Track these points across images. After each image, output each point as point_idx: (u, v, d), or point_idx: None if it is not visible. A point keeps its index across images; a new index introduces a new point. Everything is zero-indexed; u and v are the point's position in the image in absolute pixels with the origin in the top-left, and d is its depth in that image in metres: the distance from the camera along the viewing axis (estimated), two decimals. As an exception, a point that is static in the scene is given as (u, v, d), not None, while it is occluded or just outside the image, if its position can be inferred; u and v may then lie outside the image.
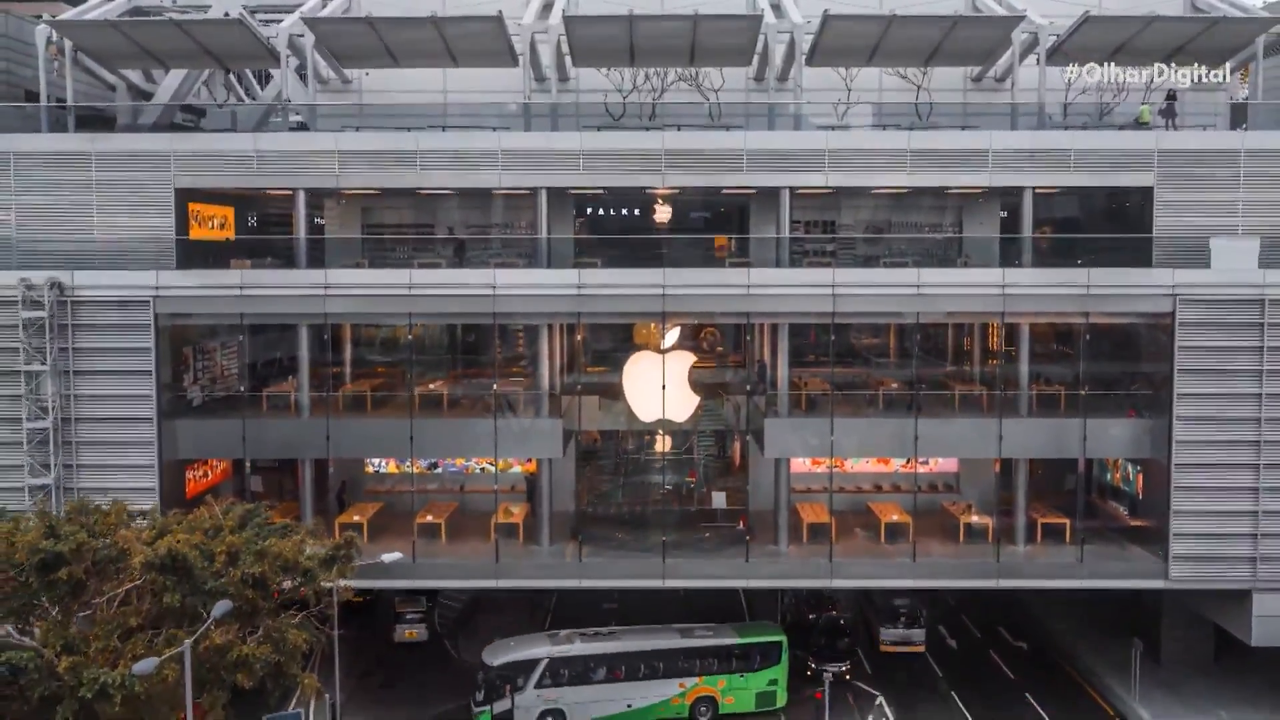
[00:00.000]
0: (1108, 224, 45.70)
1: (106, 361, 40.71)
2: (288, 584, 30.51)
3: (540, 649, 42.67)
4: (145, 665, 25.26)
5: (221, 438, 42.74)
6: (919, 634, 48.43)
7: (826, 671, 43.30)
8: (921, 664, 49.51)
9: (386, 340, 50.61)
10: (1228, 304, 40.47)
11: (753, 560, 42.76)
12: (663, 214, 47.98)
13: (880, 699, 45.21)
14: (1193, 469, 40.85)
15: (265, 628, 29.23)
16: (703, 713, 42.90)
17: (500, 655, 42.24)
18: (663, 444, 48.47)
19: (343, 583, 34.99)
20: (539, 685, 41.61)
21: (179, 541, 28.13)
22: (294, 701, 36.61)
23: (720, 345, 50.67)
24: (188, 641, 25.91)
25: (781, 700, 43.43)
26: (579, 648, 42.85)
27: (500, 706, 40.99)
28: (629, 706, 42.44)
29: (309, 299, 41.09)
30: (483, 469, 48.75)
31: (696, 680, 42.84)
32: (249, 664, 28.27)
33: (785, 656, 43.52)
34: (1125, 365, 44.42)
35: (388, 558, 38.22)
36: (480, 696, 41.55)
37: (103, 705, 25.76)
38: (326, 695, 36.27)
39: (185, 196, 42.22)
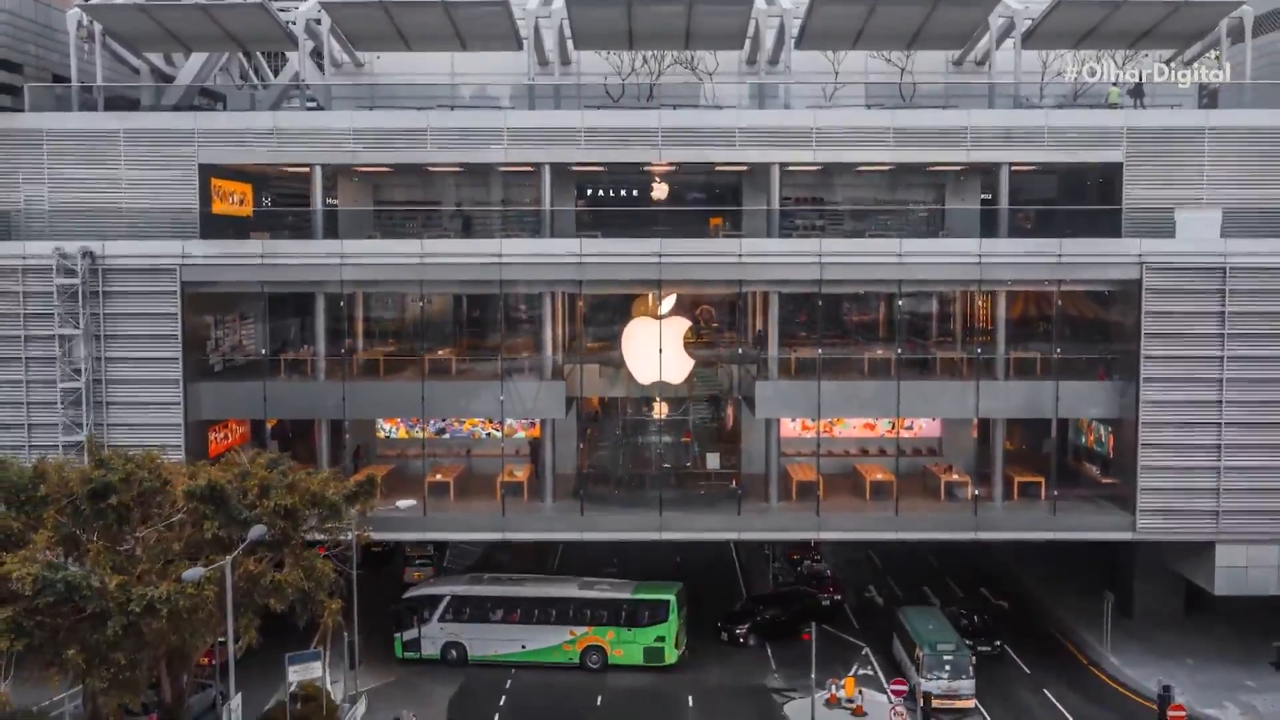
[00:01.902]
0: (1082, 202, 48.10)
1: (135, 326, 43.17)
2: (314, 520, 32.94)
3: (446, 587, 47.00)
4: (193, 573, 27.80)
5: (244, 399, 45.28)
6: (968, 685, 41.57)
7: (724, 633, 48.10)
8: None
9: (395, 320, 53.11)
10: (1192, 272, 42.92)
11: (744, 514, 45.25)
12: (660, 192, 50.44)
13: (866, 649, 47.74)
14: (1159, 428, 43.29)
15: (295, 557, 31.81)
16: (594, 662, 45.26)
17: (414, 590, 47.06)
18: (660, 410, 50.85)
19: (362, 531, 37.61)
20: (442, 619, 45.60)
21: (216, 476, 30.74)
22: (315, 640, 39.06)
23: (715, 323, 53.08)
24: (229, 558, 28.46)
25: (671, 658, 45.04)
26: (479, 589, 46.90)
27: (409, 635, 45.50)
28: (523, 648, 45.52)
29: (326, 267, 43.51)
30: (488, 434, 51.20)
31: (586, 630, 45.30)
32: (281, 589, 30.82)
33: (674, 616, 45.04)
34: (1097, 332, 46.90)
35: (403, 504, 40.81)
36: (395, 626, 45.89)
37: (149, 621, 28.23)
38: (345, 633, 38.75)
39: (208, 172, 44.64)
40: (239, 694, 29.32)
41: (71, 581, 27.42)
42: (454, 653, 45.79)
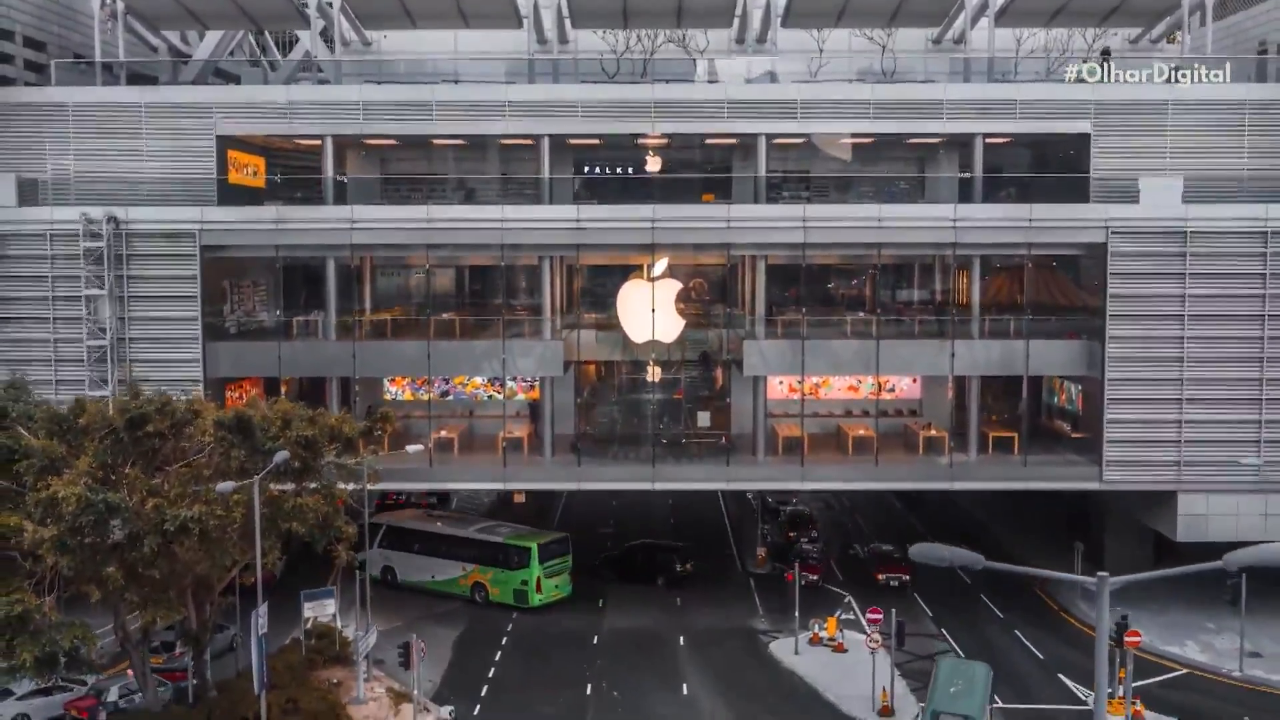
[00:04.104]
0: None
1: (157, 288, 45.73)
2: (332, 454, 35.49)
3: (384, 517, 52.67)
4: (225, 486, 30.38)
5: (259, 358, 47.72)
6: None
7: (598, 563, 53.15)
8: (888, 571, 54.80)
9: (402, 291, 55.63)
10: (1155, 236, 45.42)
11: (732, 466, 47.83)
12: (653, 165, 52.90)
13: (849, 598, 50.31)
14: (1124, 383, 45.80)
15: (317, 481, 34.52)
16: (480, 597, 49.62)
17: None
18: (654, 373, 53.28)
19: (374, 474, 40.12)
20: (380, 545, 50.74)
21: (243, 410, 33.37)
22: (330, 579, 41.62)
23: (707, 296, 55.58)
24: (257, 478, 30.99)
25: (534, 601, 48.47)
26: (404, 522, 52.18)
27: (360, 557, 49.13)
28: (433, 578, 50.61)
29: (337, 231, 46.00)
30: (490, 397, 53.70)
31: (474, 568, 49.84)
32: (302, 513, 33.39)
33: (534, 564, 48.50)
34: (1066, 295, 49.46)
35: (411, 449, 43.35)
36: None
37: (181, 539, 30.76)
38: (357, 572, 41.36)
39: (225, 143, 47.15)
40: (265, 603, 31.77)
41: (111, 502, 29.90)
42: (389, 575, 50.98)
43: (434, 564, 50.56)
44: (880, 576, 51.61)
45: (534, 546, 48.73)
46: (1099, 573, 17.52)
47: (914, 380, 53.71)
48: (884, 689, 38.73)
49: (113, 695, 36.96)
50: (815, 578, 53.30)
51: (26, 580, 30.93)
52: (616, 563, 53.80)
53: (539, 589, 48.48)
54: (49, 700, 37.34)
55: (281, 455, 31.89)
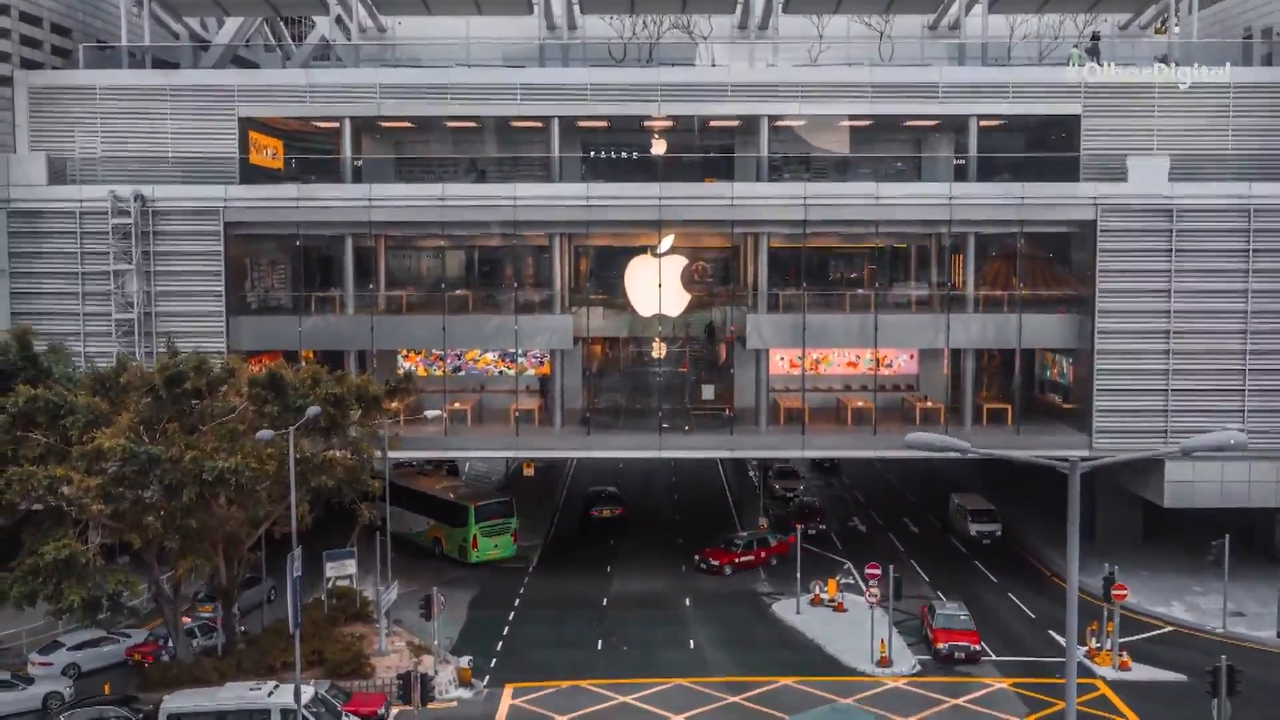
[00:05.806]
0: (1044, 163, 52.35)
1: (182, 263, 47.44)
2: (358, 413, 37.32)
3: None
4: (264, 434, 32.17)
5: (280, 332, 49.48)
6: None
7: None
8: (884, 541, 56.62)
9: (416, 273, 57.41)
10: (1142, 213, 47.21)
11: (735, 435, 49.61)
12: (658, 148, 54.65)
13: (848, 564, 52.10)
14: (1113, 355, 47.60)
15: (343, 440, 36.35)
16: (439, 550, 53.09)
17: None
18: (659, 349, 54.96)
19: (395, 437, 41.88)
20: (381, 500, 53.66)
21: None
22: (350, 540, 43.37)
23: (710, 277, 57.32)
24: (293, 428, 32.75)
25: (471, 558, 51.54)
26: (393, 478, 54.28)
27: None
28: (409, 530, 53.84)
29: (355, 209, 47.74)
30: (500, 372, 55.47)
31: (433, 523, 53.70)
32: (331, 466, 35.19)
33: (471, 523, 51.53)
34: (1056, 273, 51.25)
35: (430, 414, 45.13)
36: None
37: (218, 490, 32.58)
38: (378, 532, 43.17)
39: (247, 125, 48.89)
40: (299, 547, 33.42)
41: (153, 454, 31.74)
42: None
43: (410, 517, 53.80)
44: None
45: (471, 508, 51.61)
46: (1071, 456, 19.36)
47: (911, 356, 55.51)
48: (882, 641, 40.55)
49: None
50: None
51: (72, 529, 32.69)
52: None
53: (475, 546, 51.34)
54: (97, 651, 39.37)
55: (313, 410, 33.67)
